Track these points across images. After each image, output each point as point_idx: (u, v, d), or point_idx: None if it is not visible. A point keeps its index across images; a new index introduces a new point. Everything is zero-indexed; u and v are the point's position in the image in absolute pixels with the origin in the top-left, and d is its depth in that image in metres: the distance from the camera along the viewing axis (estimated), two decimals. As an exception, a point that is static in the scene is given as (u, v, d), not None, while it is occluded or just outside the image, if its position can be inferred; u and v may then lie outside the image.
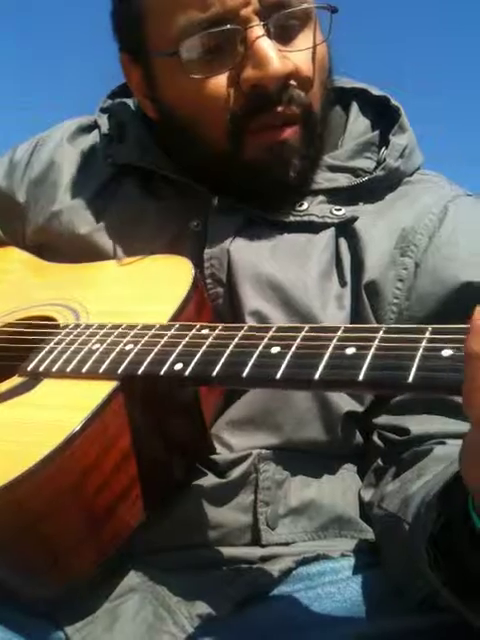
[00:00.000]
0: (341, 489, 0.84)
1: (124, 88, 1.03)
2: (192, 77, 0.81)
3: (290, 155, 0.84)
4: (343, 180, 0.89)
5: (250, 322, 0.81)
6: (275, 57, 0.78)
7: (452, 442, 0.76)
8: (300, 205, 0.87)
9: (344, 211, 0.86)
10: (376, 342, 0.54)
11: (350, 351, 0.55)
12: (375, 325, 0.56)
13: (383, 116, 0.94)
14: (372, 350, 0.54)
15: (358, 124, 0.95)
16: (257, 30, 0.79)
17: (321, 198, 0.88)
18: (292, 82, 0.82)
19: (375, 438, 0.84)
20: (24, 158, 1.03)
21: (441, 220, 0.85)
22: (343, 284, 0.84)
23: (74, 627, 0.70)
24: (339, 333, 0.57)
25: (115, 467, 0.63)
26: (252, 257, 0.84)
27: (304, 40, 0.83)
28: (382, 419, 0.83)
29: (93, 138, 1.02)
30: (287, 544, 0.80)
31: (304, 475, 0.82)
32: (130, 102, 1.02)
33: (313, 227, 0.86)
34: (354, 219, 0.86)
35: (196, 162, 0.88)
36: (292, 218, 0.87)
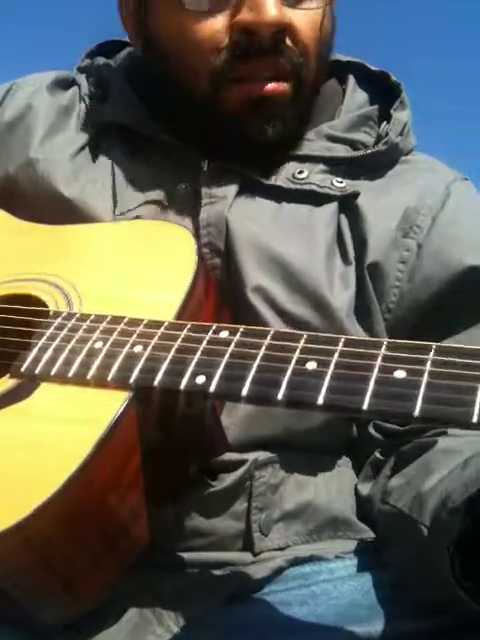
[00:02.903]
0: (337, 487, 0.83)
1: (102, 47, 0.97)
2: (187, 9, 0.76)
3: (271, 113, 0.79)
4: (342, 151, 0.85)
5: (253, 299, 0.77)
6: (272, 5, 0.74)
7: (454, 432, 0.75)
8: (300, 172, 0.83)
9: (345, 184, 0.82)
10: (428, 366, 0.50)
11: (400, 375, 0.50)
12: (425, 343, 0.51)
13: (380, 92, 0.90)
14: (425, 376, 0.50)
15: (356, 97, 0.91)
16: None
17: (321, 167, 0.83)
18: (287, 38, 0.77)
19: (371, 429, 0.82)
20: None
21: (444, 202, 0.84)
22: (347, 262, 0.81)
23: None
24: (383, 350, 0.53)
25: (128, 486, 0.59)
26: (253, 226, 0.79)
27: (310, 3, 0.78)
28: None
29: (71, 95, 0.93)
30: (280, 549, 0.78)
31: (300, 474, 0.80)
32: (111, 62, 0.94)
33: (314, 198, 0.82)
34: (356, 194, 0.82)
35: (176, 113, 0.83)
36: (292, 186, 0.82)
